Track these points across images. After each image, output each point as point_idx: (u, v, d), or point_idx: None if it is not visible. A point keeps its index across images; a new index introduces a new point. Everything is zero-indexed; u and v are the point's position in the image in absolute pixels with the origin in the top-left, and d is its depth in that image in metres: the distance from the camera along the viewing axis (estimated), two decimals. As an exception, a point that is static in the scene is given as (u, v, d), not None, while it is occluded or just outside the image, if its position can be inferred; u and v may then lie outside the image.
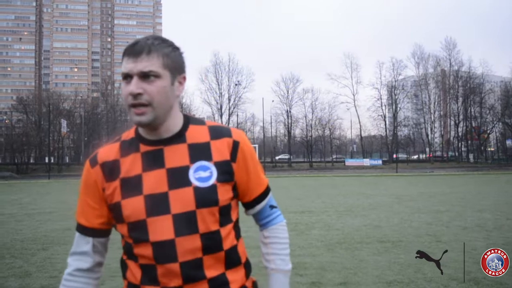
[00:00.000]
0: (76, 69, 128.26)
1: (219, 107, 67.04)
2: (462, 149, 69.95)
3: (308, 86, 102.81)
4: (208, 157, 1.36)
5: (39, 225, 10.07)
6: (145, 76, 1.29)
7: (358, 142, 77.11)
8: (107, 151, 1.41)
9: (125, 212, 1.32)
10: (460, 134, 68.28)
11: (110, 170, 1.37)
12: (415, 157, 74.30)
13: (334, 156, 72.15)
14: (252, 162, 1.44)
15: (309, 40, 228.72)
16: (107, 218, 1.40)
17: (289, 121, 68.51)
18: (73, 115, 71.38)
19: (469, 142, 68.22)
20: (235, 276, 1.37)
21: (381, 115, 68.08)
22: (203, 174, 1.33)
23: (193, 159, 1.35)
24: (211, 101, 67.31)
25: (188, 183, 1.32)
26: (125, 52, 1.32)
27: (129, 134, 1.43)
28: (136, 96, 1.28)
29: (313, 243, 7.36)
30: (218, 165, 1.35)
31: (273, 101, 69.93)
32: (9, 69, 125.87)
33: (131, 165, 1.36)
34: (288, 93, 68.49)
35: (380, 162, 61.61)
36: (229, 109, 66.97)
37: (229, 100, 67.01)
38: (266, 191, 1.49)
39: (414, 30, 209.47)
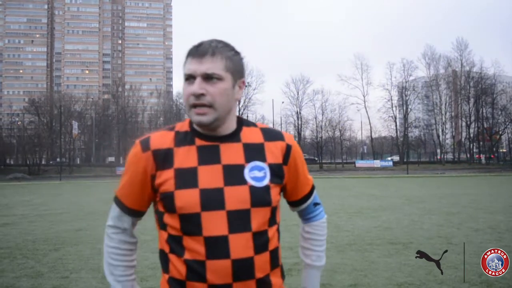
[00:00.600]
0: (87, 71, 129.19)
1: (228, 108, 66.98)
2: (474, 150, 69.29)
3: (318, 87, 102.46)
4: (262, 158, 1.39)
5: (50, 225, 10.14)
6: (208, 77, 1.31)
7: (368, 144, 76.64)
8: (161, 138, 1.40)
9: (178, 203, 1.31)
10: (471, 135, 67.66)
11: (163, 158, 1.36)
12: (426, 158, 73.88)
13: (344, 156, 71.86)
14: (301, 164, 1.49)
15: (319, 41, 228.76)
16: (147, 202, 1.42)
17: (299, 123, 68.40)
18: (84, 116, 72.04)
19: (481, 143, 67.55)
20: (275, 279, 1.39)
21: (391, 116, 67.62)
22: (258, 174, 1.36)
23: (248, 159, 1.37)
24: (220, 103, 67.24)
25: (244, 181, 1.34)
26: (189, 53, 1.34)
27: (183, 126, 1.44)
28: (198, 96, 1.31)
29: (323, 244, 7.32)
30: (271, 167, 1.39)
31: (283, 102, 69.89)
32: (21, 71, 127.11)
33: (185, 156, 1.36)
34: (298, 94, 68.33)
35: (390, 163, 61.23)
36: (239, 111, 66.80)
37: (239, 101, 66.94)
38: (312, 190, 1.56)
39: (415, 30, 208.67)
